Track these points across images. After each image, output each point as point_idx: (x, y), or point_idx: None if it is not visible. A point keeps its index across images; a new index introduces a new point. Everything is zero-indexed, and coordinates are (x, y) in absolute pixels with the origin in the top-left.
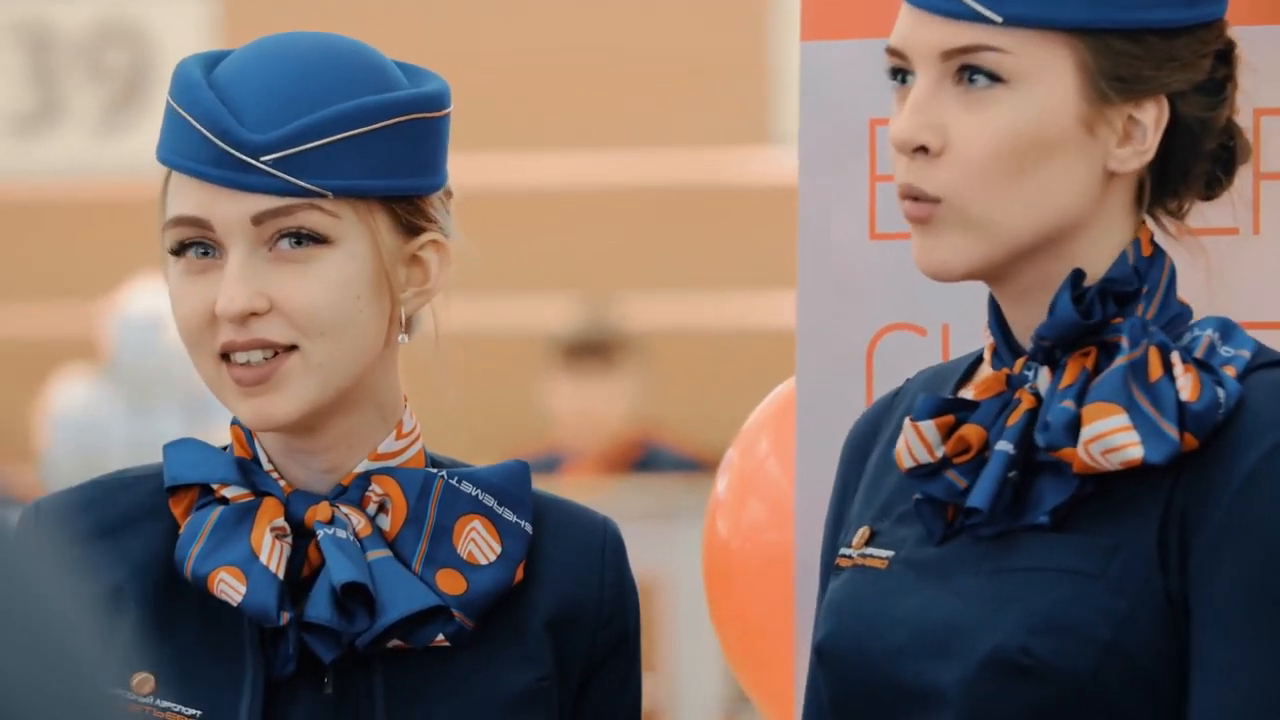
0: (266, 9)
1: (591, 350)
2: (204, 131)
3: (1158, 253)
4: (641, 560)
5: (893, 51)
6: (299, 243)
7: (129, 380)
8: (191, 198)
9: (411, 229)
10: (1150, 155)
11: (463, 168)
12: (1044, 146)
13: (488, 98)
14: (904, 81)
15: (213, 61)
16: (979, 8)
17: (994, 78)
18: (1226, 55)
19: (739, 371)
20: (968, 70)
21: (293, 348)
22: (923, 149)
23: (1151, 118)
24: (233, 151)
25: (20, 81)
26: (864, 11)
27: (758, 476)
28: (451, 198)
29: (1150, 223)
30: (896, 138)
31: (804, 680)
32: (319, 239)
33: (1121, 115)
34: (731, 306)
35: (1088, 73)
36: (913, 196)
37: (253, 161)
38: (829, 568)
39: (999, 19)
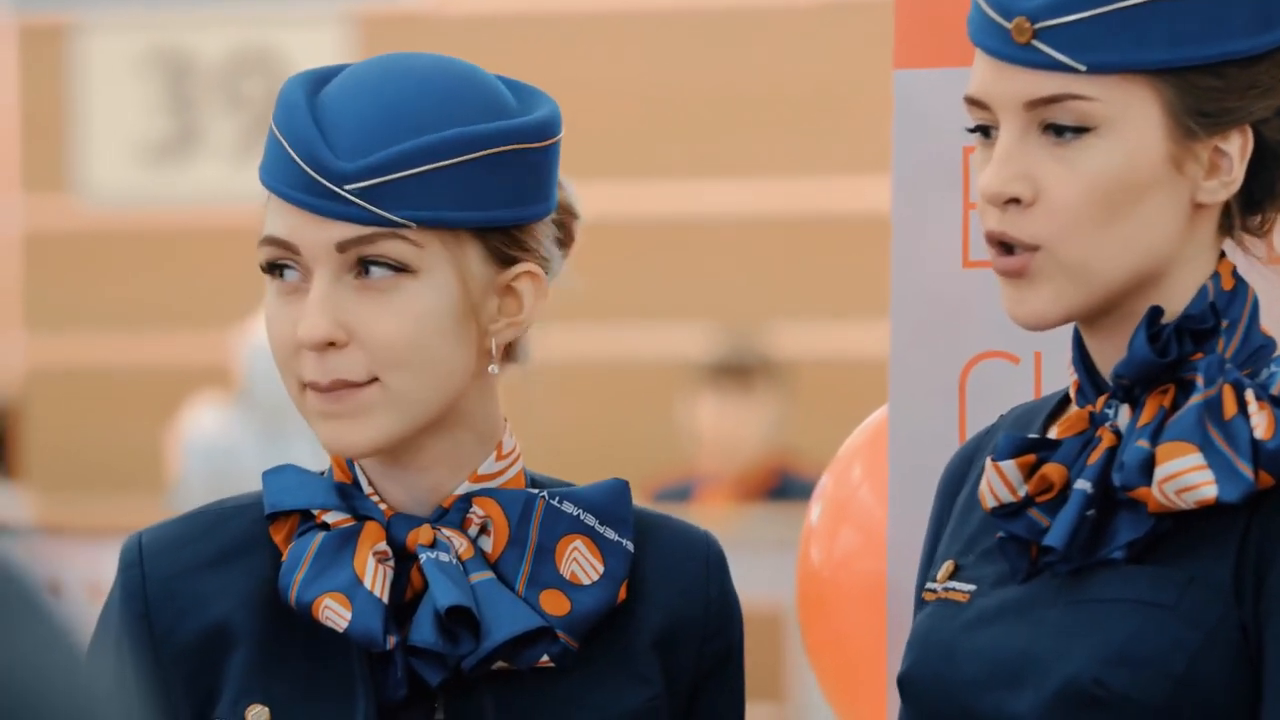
0: (400, 33)
1: (733, 375)
2: (295, 157)
3: (1239, 285)
4: (771, 588)
5: (973, 101)
6: (380, 270)
7: (261, 407)
8: (282, 220)
9: (505, 259)
10: (1238, 185)
11: (609, 197)
12: (1135, 189)
13: (634, 129)
14: (986, 135)
15: (323, 80)
16: (1062, 57)
17: (1082, 128)
18: None
19: (875, 399)
20: (1054, 126)
21: (374, 379)
22: (1014, 200)
23: (1237, 147)
24: (319, 179)
25: (158, 110)
26: (958, 39)
27: (851, 505)
28: (572, 223)
29: (1231, 251)
30: (987, 190)
31: (896, 710)
32: (402, 268)
33: (1208, 149)
34: (869, 335)
35: (1173, 111)
36: (1003, 243)
37: (338, 190)
38: (920, 600)
39: (1082, 67)
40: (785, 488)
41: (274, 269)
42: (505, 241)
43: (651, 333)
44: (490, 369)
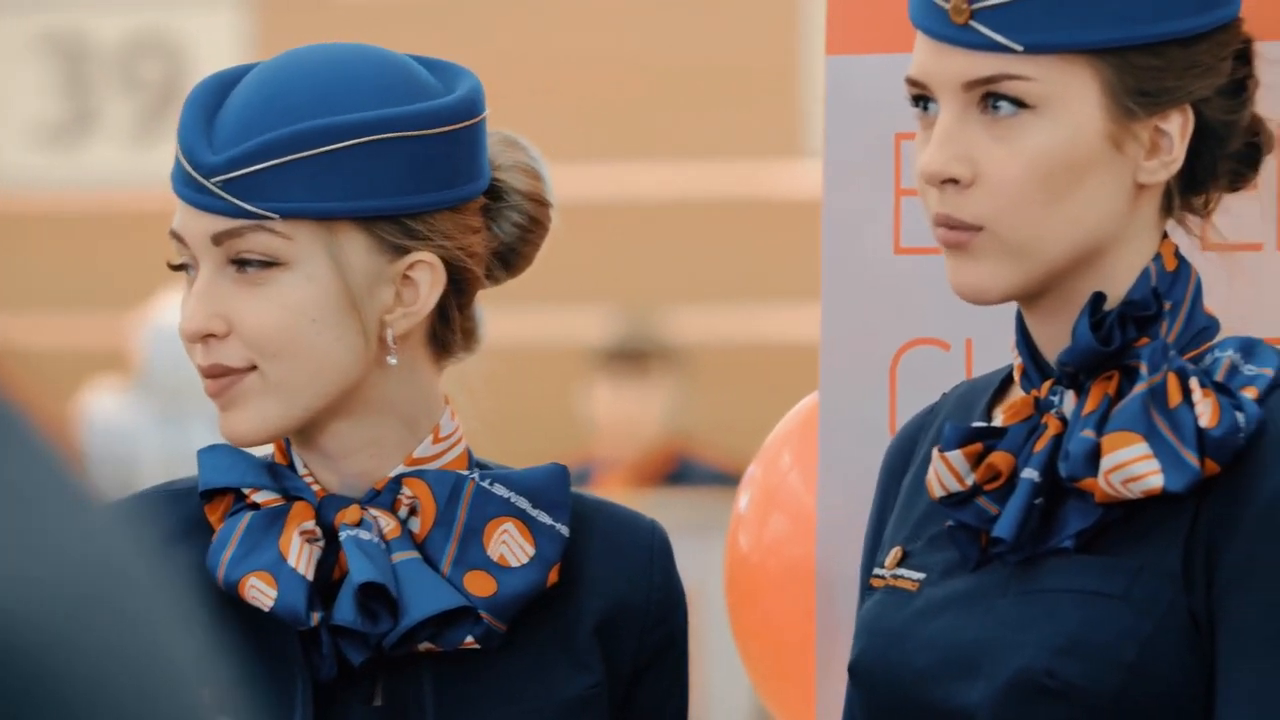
0: (300, 19)
1: (629, 360)
2: (179, 151)
3: (1182, 266)
4: None
5: (913, 82)
6: (251, 265)
7: (160, 391)
8: (177, 215)
9: (398, 249)
10: (1178, 165)
11: None
12: (1075, 168)
13: (524, 110)
14: (927, 109)
15: (241, 75)
16: (999, 38)
17: (1020, 104)
18: (1245, 54)
19: (775, 384)
20: (992, 98)
21: (253, 367)
22: (953, 181)
23: (1177, 127)
24: (192, 173)
25: (54, 92)
26: (890, 26)
27: (780, 491)
28: (536, 209)
29: (1173, 232)
30: (926, 170)
31: (825, 696)
32: (271, 261)
33: (1148, 128)
34: (766, 319)
35: (1112, 91)
36: (949, 225)
37: (205, 182)
38: (867, 585)
39: (1020, 47)
40: (683, 473)
41: (181, 266)
42: (394, 230)
43: (548, 316)
44: (389, 359)
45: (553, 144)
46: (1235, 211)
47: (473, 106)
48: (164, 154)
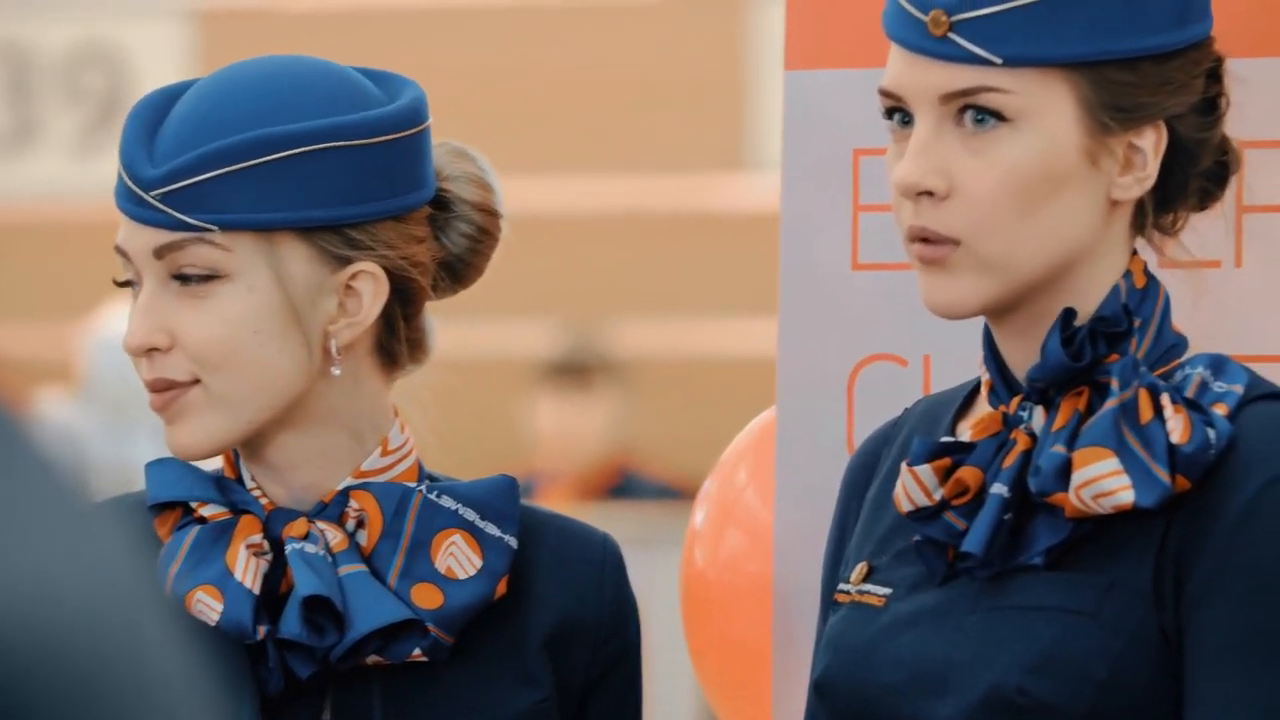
0: (242, 31)
1: (572, 373)
2: (120, 165)
3: (1151, 283)
4: None
5: (887, 94)
6: (195, 275)
7: (105, 402)
8: (121, 229)
9: (340, 259)
10: (1151, 181)
11: None
12: (1050, 182)
13: (467, 121)
14: (902, 123)
15: (185, 90)
16: (979, 50)
17: (998, 117)
18: (1216, 72)
19: (718, 398)
20: (969, 111)
21: (196, 381)
22: (928, 193)
23: (1151, 143)
24: (133, 186)
25: None
26: (849, 41)
27: (736, 507)
28: (485, 219)
29: (1141, 249)
30: (902, 182)
31: (781, 712)
32: (212, 273)
33: (1122, 144)
34: (710, 333)
35: (1088, 105)
36: (923, 238)
37: (144, 195)
38: (829, 600)
39: (998, 60)
40: (627, 486)
41: (127, 283)
42: (335, 241)
43: (491, 329)
44: (332, 370)
45: (496, 156)
46: (1194, 228)
47: (415, 115)
48: (107, 165)
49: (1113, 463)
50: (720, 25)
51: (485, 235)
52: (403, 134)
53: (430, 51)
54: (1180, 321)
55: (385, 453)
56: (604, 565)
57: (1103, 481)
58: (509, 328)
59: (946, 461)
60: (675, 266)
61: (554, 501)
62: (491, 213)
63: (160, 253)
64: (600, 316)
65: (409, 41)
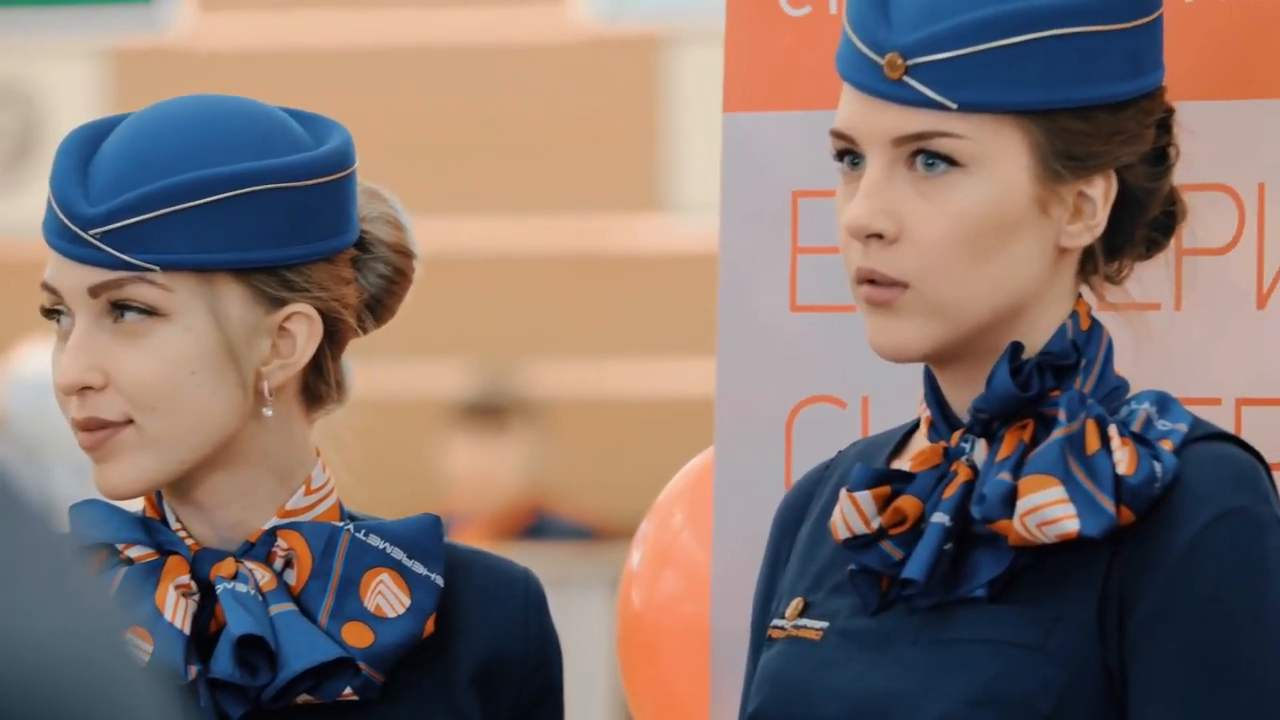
0: (155, 67)
1: (486, 414)
2: (53, 202)
3: (1095, 326)
4: None
5: (839, 135)
6: (132, 314)
7: (22, 441)
8: (50, 266)
9: (274, 300)
10: (1100, 229)
11: None
12: (1001, 229)
13: (385, 163)
14: (853, 164)
15: (110, 127)
16: (933, 94)
17: (950, 162)
18: (1167, 122)
19: (634, 439)
20: (921, 155)
21: (129, 421)
22: (877, 236)
23: (1101, 192)
24: (69, 224)
25: None
26: (787, 84)
27: (673, 549)
28: (400, 260)
29: (1085, 292)
30: (852, 224)
31: None
32: (151, 311)
33: (1073, 192)
34: (625, 374)
35: (1040, 153)
36: (871, 280)
37: (83, 234)
38: (760, 639)
39: (953, 105)
40: (541, 527)
41: (52, 314)
42: (271, 282)
43: (405, 369)
44: (264, 411)
45: (410, 196)
46: (1136, 273)
47: (344, 158)
48: (22, 203)
49: (1058, 491)
50: (637, 67)
51: (401, 275)
52: (335, 176)
53: (344, 91)
54: (1121, 364)
55: (309, 492)
56: (527, 600)
57: (1047, 509)
58: (424, 368)
59: (886, 490)
60: (590, 307)
61: (469, 541)
62: (406, 253)
63: (96, 291)
64: (514, 357)
65: (322, 82)
